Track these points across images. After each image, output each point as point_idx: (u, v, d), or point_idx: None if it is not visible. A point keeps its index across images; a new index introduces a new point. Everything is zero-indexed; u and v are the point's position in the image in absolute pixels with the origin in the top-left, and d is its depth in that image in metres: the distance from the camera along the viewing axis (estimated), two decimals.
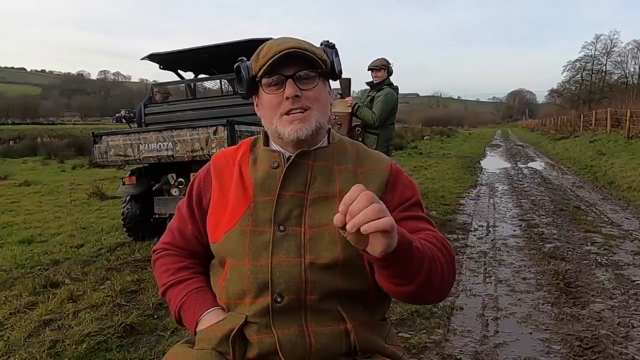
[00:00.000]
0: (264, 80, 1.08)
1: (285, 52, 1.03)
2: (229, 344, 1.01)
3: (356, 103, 4.56)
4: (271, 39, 1.13)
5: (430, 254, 0.94)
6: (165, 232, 1.26)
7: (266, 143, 1.16)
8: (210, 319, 1.08)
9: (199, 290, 1.14)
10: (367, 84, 4.84)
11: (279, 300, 1.00)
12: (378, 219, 0.77)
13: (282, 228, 1.04)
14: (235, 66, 1.13)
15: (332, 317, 1.02)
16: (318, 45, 1.16)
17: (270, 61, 1.04)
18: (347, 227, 0.78)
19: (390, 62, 4.75)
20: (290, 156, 1.10)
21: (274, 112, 1.07)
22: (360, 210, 0.77)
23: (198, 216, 1.17)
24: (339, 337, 1.01)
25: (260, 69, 1.07)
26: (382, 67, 4.69)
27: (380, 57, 4.77)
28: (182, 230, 1.20)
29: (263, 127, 1.15)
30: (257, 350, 1.00)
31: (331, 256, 1.01)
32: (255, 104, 1.16)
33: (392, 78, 4.80)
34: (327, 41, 1.17)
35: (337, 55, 1.14)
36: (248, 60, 1.13)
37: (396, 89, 4.74)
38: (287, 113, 1.06)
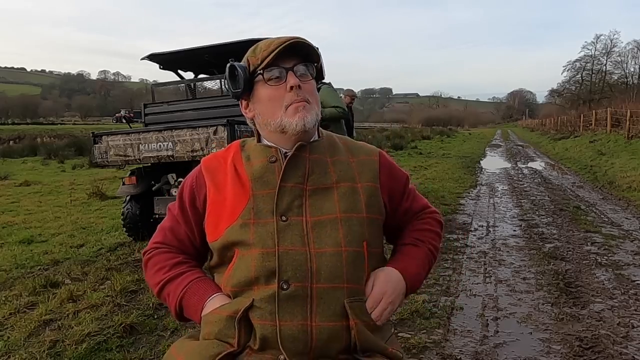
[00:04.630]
0: (265, 75, 1.09)
1: (289, 42, 1.06)
2: (235, 325, 1.01)
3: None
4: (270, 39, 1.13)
5: (427, 252, 1.23)
6: (155, 232, 1.23)
7: (259, 141, 1.16)
8: (214, 304, 1.07)
9: (200, 280, 1.13)
10: None
11: (285, 287, 1.01)
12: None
13: (284, 218, 1.05)
14: (228, 65, 1.12)
15: (337, 312, 1.02)
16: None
17: (274, 52, 1.06)
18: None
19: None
20: (286, 152, 1.11)
21: (278, 105, 1.08)
22: (379, 315, 1.09)
23: (192, 216, 1.16)
24: (341, 333, 1.02)
25: (262, 61, 1.08)
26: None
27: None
28: (174, 230, 1.19)
29: (253, 127, 1.17)
30: (259, 334, 1.01)
31: (334, 243, 1.04)
32: (243, 106, 1.16)
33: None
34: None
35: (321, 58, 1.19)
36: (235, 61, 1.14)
37: (329, 84, 4.88)
38: (291, 104, 1.08)
